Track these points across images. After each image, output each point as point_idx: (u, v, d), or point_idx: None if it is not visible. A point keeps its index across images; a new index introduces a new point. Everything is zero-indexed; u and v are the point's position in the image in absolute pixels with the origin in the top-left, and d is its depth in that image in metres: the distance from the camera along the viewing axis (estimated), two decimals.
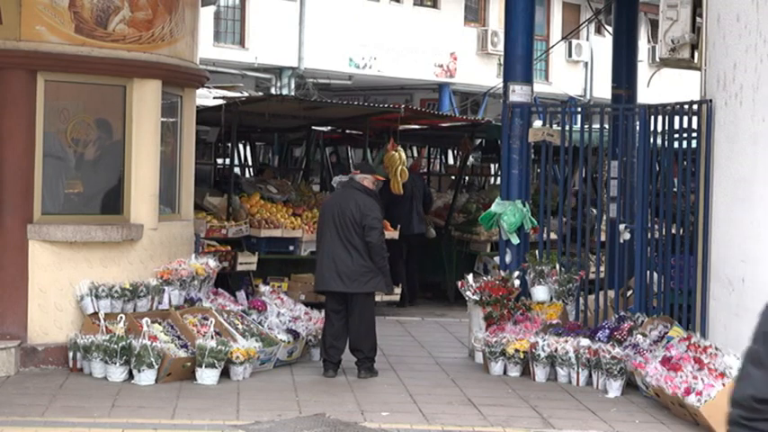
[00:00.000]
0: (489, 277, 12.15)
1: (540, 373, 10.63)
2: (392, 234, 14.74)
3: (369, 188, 10.83)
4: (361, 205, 10.59)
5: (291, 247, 14.72)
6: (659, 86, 16.57)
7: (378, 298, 12.08)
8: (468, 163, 20.05)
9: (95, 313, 10.38)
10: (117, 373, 9.94)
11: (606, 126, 12.09)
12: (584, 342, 10.48)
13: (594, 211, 12.83)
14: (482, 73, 29.92)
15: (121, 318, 10.28)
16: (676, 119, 10.95)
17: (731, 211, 9.74)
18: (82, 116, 10.91)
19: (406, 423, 8.84)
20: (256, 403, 9.27)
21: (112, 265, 10.72)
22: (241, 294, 11.76)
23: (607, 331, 10.56)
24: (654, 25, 27.10)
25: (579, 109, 12.98)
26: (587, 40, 32.51)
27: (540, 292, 11.61)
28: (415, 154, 22.76)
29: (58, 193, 10.85)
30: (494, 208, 12.05)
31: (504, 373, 10.87)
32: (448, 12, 29.96)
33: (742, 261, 9.46)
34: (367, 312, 10.71)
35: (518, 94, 11.95)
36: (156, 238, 11.04)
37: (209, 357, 9.92)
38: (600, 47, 30.61)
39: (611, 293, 11.61)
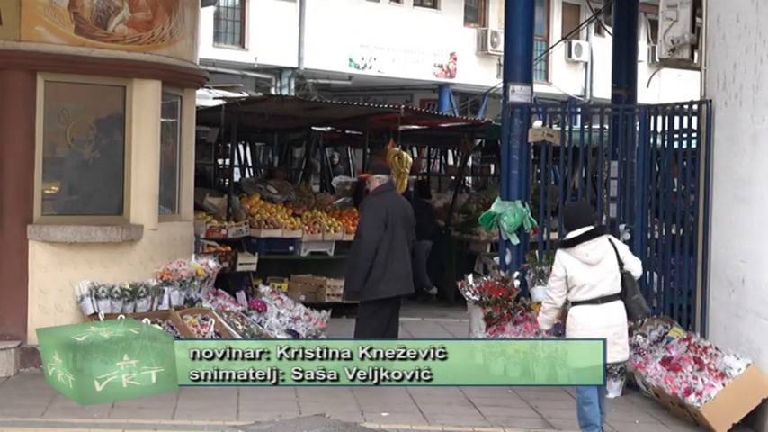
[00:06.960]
0: (489, 277, 12.14)
1: None
2: None
3: None
4: (411, 207, 11.02)
5: (291, 248, 14.72)
6: (659, 86, 16.57)
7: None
8: (467, 163, 20.05)
9: (95, 314, 10.37)
10: None
11: (606, 126, 12.08)
12: None
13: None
14: (482, 73, 29.92)
15: (121, 318, 10.26)
16: (676, 119, 10.95)
17: (731, 211, 9.74)
18: (82, 117, 10.91)
19: (406, 423, 8.84)
20: (256, 403, 9.26)
21: (112, 266, 10.72)
22: (241, 295, 11.76)
23: None
24: (654, 25, 27.10)
25: (579, 109, 12.98)
26: (587, 40, 32.49)
27: (540, 293, 11.58)
28: (415, 154, 22.76)
29: (57, 194, 10.85)
30: (494, 208, 12.05)
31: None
32: (448, 12, 29.95)
33: (742, 261, 9.45)
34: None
35: (518, 94, 11.95)
36: (156, 238, 11.03)
37: None
38: (600, 47, 30.60)
39: None
